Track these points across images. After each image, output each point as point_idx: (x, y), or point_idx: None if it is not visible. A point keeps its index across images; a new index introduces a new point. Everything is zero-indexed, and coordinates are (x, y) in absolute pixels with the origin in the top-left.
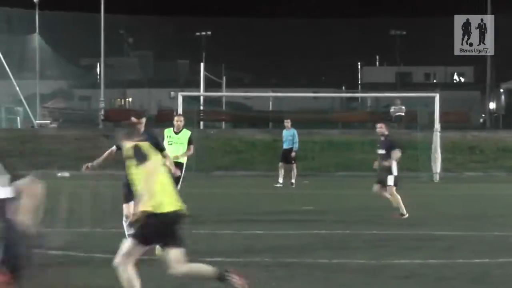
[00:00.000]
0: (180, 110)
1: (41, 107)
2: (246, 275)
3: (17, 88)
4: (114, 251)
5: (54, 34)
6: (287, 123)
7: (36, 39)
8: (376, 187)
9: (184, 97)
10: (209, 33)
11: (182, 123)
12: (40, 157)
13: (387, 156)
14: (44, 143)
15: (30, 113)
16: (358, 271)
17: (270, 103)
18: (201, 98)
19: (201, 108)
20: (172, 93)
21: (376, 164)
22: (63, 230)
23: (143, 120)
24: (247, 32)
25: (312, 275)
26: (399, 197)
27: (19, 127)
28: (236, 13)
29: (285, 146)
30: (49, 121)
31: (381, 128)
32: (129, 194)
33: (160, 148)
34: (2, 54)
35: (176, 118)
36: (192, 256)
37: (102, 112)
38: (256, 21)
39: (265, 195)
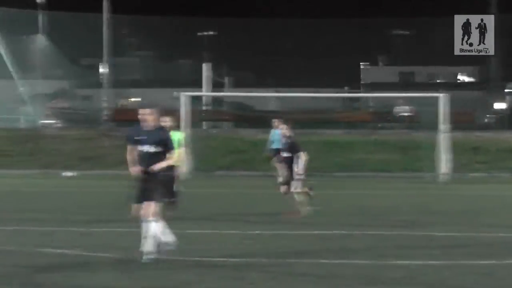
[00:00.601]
0: (182, 110)
1: (44, 107)
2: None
3: (21, 88)
4: (119, 251)
5: (57, 34)
6: (276, 122)
7: (39, 39)
8: (283, 188)
9: (186, 97)
10: (211, 33)
11: (168, 124)
12: (44, 156)
13: (291, 159)
14: (47, 143)
15: (33, 113)
16: (357, 272)
17: (272, 103)
18: (204, 98)
19: (204, 108)
20: (175, 93)
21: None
22: (73, 230)
23: (147, 111)
24: (249, 32)
25: (311, 275)
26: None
27: (22, 127)
28: (239, 13)
29: (275, 146)
30: (52, 121)
31: (284, 129)
32: (140, 195)
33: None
34: (5, 54)
35: (160, 119)
36: (191, 256)
37: (105, 112)
38: (258, 21)
39: (266, 196)
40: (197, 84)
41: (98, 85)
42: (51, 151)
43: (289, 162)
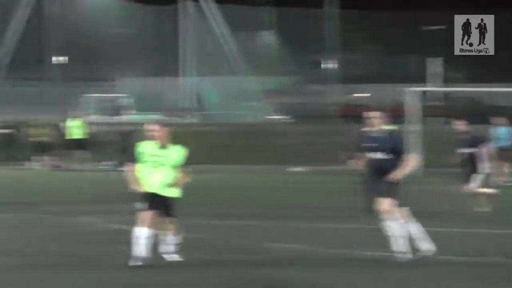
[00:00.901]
0: (409, 106)
1: (271, 102)
2: None
3: (249, 84)
4: (350, 247)
5: (285, 30)
6: (496, 119)
7: (267, 35)
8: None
9: (413, 93)
10: (440, 27)
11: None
12: (272, 152)
13: (471, 155)
14: (274, 138)
15: (261, 108)
16: None
17: (505, 98)
18: (430, 93)
19: (430, 103)
20: (404, 89)
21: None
22: (299, 225)
23: (376, 114)
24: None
25: None
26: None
27: (249, 122)
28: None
29: (498, 144)
30: (280, 116)
31: (459, 125)
32: (375, 190)
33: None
34: (236, 50)
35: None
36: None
37: (334, 107)
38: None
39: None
40: (426, 79)
41: (328, 80)
42: (278, 146)
43: (470, 158)
